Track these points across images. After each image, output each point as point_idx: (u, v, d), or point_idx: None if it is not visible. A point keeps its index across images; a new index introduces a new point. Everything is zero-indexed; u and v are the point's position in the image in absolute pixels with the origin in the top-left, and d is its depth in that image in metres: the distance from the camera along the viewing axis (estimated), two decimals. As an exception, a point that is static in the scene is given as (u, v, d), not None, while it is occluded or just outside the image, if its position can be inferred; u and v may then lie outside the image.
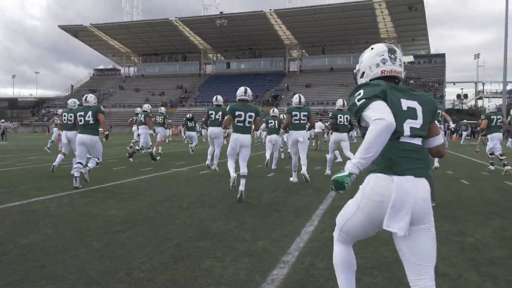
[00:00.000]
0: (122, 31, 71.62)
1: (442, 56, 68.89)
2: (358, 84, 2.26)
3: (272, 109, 12.57)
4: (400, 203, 2.01)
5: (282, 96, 62.78)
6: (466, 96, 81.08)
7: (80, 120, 7.84)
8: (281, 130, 11.40)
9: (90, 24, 70.82)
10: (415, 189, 2.05)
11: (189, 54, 79.32)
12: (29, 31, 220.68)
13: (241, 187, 6.42)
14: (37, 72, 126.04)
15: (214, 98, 10.66)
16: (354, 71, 2.46)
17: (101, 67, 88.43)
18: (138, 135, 14.27)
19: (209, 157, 10.38)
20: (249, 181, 8.41)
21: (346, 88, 62.95)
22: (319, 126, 20.04)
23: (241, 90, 6.90)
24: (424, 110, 2.16)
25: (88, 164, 7.87)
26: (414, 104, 2.14)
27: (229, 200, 6.44)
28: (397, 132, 2.04)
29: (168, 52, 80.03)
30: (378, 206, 2.11)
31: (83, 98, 8.22)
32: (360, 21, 61.35)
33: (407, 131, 2.09)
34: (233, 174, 6.70)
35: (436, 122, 2.29)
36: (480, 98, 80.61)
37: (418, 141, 2.14)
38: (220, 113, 10.01)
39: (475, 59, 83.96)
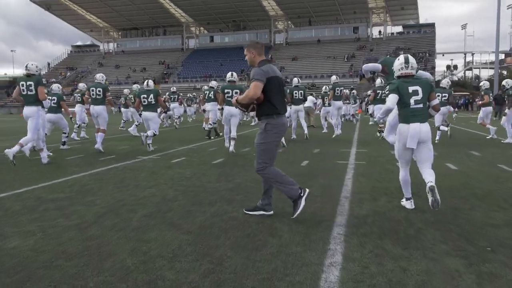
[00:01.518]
0: (98, 4, 67.69)
1: (431, 26, 66.73)
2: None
3: None
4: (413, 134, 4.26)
5: (269, 70, 60.31)
6: (456, 67, 79.56)
7: (144, 101, 9.99)
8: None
9: (64, -4, 66.82)
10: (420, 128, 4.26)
11: (171, 28, 76.04)
12: (2, 7, 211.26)
13: (231, 148, 9.28)
14: (13, 50, 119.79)
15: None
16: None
17: (79, 43, 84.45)
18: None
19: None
20: (232, 175, 6.49)
21: (334, 60, 60.70)
22: (310, 100, 18.03)
23: (229, 74, 9.80)
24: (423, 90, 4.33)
25: (148, 133, 9.93)
26: (415, 88, 4.32)
27: (200, 211, 4.47)
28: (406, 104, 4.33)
29: (149, 27, 76.54)
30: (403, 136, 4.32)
31: (145, 84, 10.43)
32: (348, -10, 58.65)
33: (412, 103, 4.28)
34: (227, 145, 9.35)
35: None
36: (470, 69, 79.23)
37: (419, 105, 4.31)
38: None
39: (462, 29, 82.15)
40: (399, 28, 70.20)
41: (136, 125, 14.93)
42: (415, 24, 68.47)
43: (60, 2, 67.45)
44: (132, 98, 15.95)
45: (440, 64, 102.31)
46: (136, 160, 8.47)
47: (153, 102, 9.89)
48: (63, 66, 75.17)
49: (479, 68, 77.24)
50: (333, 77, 14.06)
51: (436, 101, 4.44)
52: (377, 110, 12.75)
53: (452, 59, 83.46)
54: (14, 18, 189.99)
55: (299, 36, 69.43)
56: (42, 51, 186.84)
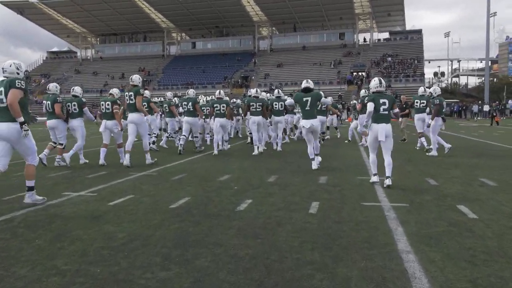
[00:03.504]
0: (74, 8, 64.32)
1: (419, 32, 65.36)
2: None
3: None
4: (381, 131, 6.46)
5: (253, 77, 57.82)
6: (443, 74, 78.32)
7: (184, 107, 11.36)
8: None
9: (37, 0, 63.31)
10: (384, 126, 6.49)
11: (151, 34, 73.25)
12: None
13: (216, 151, 10.94)
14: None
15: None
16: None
17: (55, 49, 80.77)
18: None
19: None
20: (196, 242, 3.54)
21: (320, 67, 58.37)
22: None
23: (217, 92, 11.48)
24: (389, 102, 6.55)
25: (196, 146, 11.89)
26: (384, 100, 6.53)
27: None
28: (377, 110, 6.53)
29: (129, 32, 73.58)
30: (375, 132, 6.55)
31: (187, 92, 11.87)
32: (334, -5, 56.52)
33: (381, 110, 6.48)
34: (216, 151, 10.89)
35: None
36: (457, 76, 78.10)
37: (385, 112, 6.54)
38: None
39: (445, 37, 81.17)
40: (386, 35, 68.56)
41: (167, 137, 13.95)
42: (402, 31, 67.02)
43: (33, 5, 64.00)
44: (167, 107, 13.80)
45: (426, 72, 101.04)
46: (55, 202, 5.54)
47: (191, 109, 11.11)
48: (38, 73, 71.39)
49: (466, 75, 76.13)
50: (263, 94, 13.58)
51: (396, 110, 6.72)
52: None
53: (439, 66, 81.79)
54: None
55: (284, 43, 67.20)
56: (21, 58, 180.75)
